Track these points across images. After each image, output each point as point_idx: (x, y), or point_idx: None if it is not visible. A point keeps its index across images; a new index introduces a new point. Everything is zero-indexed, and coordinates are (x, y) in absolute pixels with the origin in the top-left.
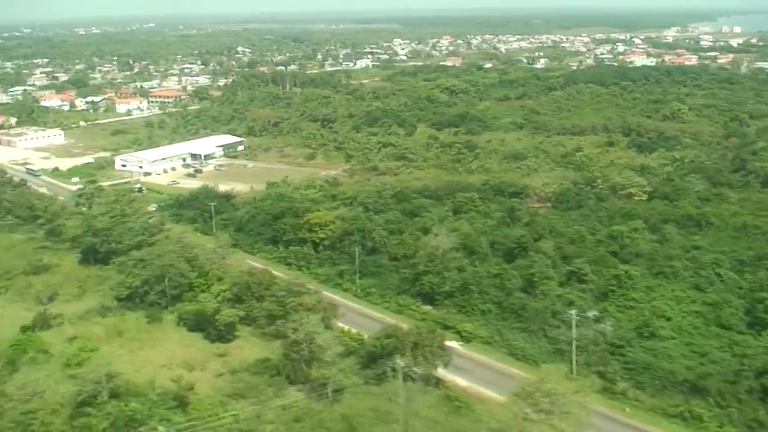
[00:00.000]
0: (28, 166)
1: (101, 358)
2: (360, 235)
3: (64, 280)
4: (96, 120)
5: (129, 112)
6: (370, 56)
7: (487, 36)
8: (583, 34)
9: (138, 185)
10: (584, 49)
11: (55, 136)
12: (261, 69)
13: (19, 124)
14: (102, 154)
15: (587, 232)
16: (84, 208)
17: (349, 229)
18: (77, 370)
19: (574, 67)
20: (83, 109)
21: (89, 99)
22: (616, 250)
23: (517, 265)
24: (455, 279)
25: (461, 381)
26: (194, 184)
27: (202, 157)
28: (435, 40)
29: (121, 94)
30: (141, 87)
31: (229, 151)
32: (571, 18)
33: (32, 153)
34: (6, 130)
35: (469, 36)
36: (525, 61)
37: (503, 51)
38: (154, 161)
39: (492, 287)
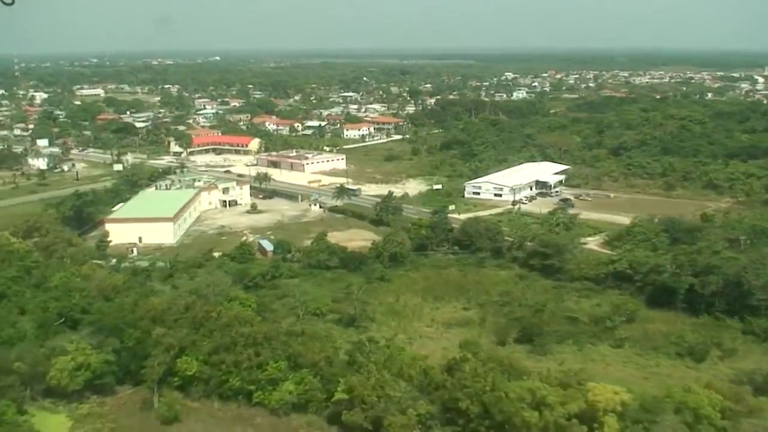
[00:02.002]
0: (347, 187)
1: None
2: None
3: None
4: (343, 145)
5: (363, 138)
6: (523, 88)
7: (592, 72)
8: (688, 72)
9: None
10: (716, 85)
11: (338, 161)
12: (426, 98)
13: (267, 149)
14: (413, 180)
15: None
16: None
17: None
18: None
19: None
20: (307, 134)
21: (310, 124)
22: None
23: None
24: None
25: None
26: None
27: (552, 186)
28: (546, 74)
29: (329, 120)
30: (348, 113)
31: (565, 179)
32: (647, 57)
33: (322, 177)
34: (278, 154)
35: (572, 71)
36: (697, 95)
37: (638, 85)
38: (513, 188)
39: None
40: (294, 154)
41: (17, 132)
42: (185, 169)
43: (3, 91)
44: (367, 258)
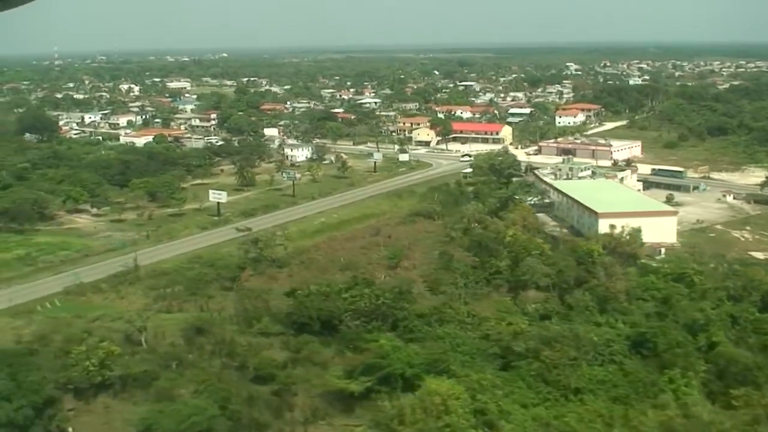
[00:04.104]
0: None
1: None
2: None
3: None
4: (583, 132)
5: (584, 124)
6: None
7: (654, 62)
8: (742, 62)
9: None
10: None
11: (635, 147)
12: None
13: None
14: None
15: None
16: None
17: None
18: None
19: None
20: (514, 121)
21: (515, 111)
22: None
23: None
24: None
25: None
26: None
27: None
28: (605, 63)
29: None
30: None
31: None
32: (675, 48)
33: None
34: (571, 141)
35: (626, 61)
36: None
37: (724, 74)
38: None
39: None
40: (581, 141)
41: (196, 123)
42: (569, 158)
43: (71, 84)
44: None
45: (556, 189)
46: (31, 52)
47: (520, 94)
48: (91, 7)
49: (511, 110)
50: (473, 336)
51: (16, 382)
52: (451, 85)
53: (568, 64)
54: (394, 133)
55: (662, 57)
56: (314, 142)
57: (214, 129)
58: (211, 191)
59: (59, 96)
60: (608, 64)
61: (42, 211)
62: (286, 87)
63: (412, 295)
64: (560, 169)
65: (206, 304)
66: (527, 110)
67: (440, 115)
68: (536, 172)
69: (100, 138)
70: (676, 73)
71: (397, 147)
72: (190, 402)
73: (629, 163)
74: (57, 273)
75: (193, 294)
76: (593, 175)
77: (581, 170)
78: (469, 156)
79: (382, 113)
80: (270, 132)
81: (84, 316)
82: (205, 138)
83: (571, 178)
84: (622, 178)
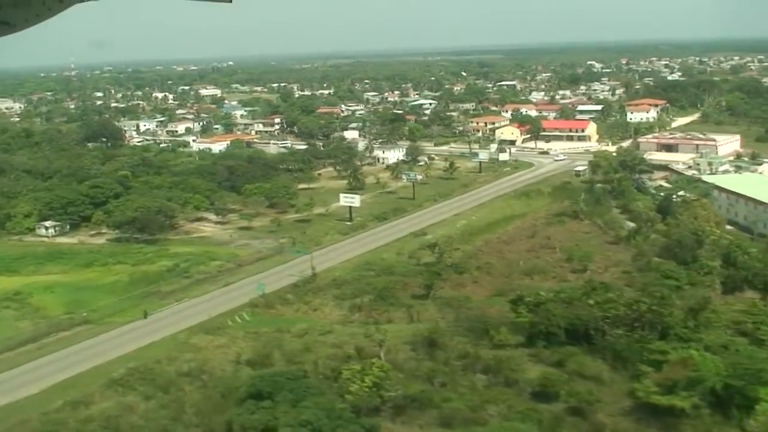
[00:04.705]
0: None
1: None
2: None
3: None
4: (666, 127)
5: (658, 120)
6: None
7: (659, 61)
8: (747, 57)
9: None
10: None
11: (734, 142)
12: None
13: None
14: None
15: None
16: None
17: None
18: None
19: None
20: (583, 118)
21: (584, 108)
22: None
23: None
24: None
25: None
26: None
27: None
28: (626, 62)
29: (574, 104)
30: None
31: None
32: (687, 45)
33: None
34: (672, 136)
35: (645, 59)
36: None
37: (753, 69)
38: None
39: None
40: (681, 136)
41: (259, 127)
42: (706, 152)
43: (100, 93)
44: None
45: (713, 185)
46: (32, 65)
47: (568, 92)
48: (90, 20)
49: (580, 107)
50: (745, 343)
51: (321, 410)
52: (490, 85)
53: (590, 62)
54: (469, 133)
55: (675, 54)
56: (396, 143)
57: (278, 133)
58: (342, 195)
59: (99, 104)
60: (629, 61)
61: (168, 220)
62: (321, 91)
63: (672, 300)
64: (698, 164)
65: (417, 314)
66: (598, 107)
67: (504, 114)
68: (671, 167)
69: (169, 145)
70: (707, 69)
71: (495, 147)
72: (506, 425)
73: (754, 157)
74: (225, 285)
75: (391, 304)
76: (738, 169)
77: (720, 164)
78: (547, 153)
79: (447, 113)
80: (349, 135)
81: (287, 330)
82: (280, 143)
83: (713, 173)
84: (761, 172)
